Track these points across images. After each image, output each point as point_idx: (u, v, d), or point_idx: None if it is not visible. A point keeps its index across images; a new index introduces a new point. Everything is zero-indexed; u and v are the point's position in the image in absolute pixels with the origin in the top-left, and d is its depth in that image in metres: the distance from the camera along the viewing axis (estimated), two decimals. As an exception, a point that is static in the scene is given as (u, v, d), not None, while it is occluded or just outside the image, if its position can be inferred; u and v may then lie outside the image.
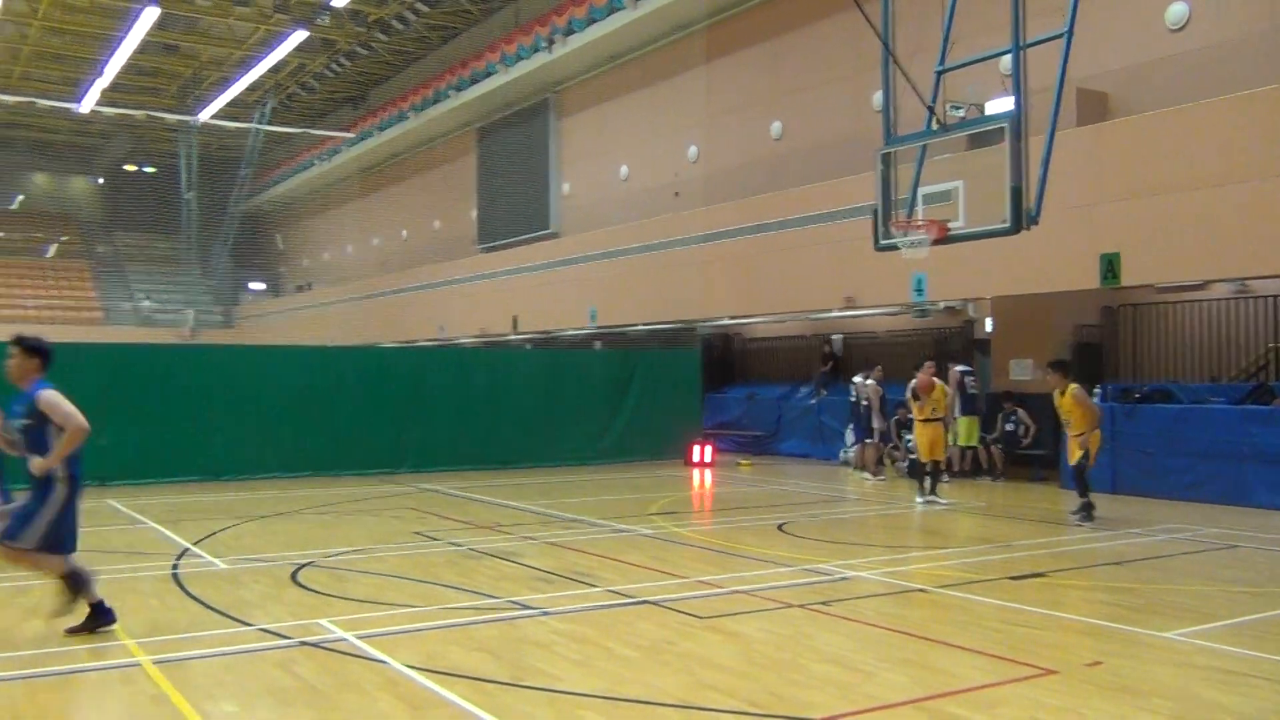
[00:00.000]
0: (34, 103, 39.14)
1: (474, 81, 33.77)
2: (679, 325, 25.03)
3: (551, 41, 29.74)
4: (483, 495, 15.33)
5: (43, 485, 6.98)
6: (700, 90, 26.68)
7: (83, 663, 6.45)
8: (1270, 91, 13.90)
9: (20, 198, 53.85)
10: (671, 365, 22.18)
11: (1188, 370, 16.73)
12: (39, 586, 8.63)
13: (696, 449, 20.23)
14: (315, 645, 6.73)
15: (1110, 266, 15.16)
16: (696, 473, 19.27)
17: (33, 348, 7.09)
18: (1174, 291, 16.88)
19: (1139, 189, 15.03)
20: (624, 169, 29.58)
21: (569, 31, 29.03)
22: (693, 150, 26.99)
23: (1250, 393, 14.63)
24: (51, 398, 6.88)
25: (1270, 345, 15.87)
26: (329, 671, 6.18)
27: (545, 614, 7.66)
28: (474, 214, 36.82)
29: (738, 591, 8.49)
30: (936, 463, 14.64)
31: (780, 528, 12.03)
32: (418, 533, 11.70)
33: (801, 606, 7.93)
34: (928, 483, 14.52)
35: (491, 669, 6.21)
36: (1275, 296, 15.53)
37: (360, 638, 6.87)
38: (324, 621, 7.32)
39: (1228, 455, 14.13)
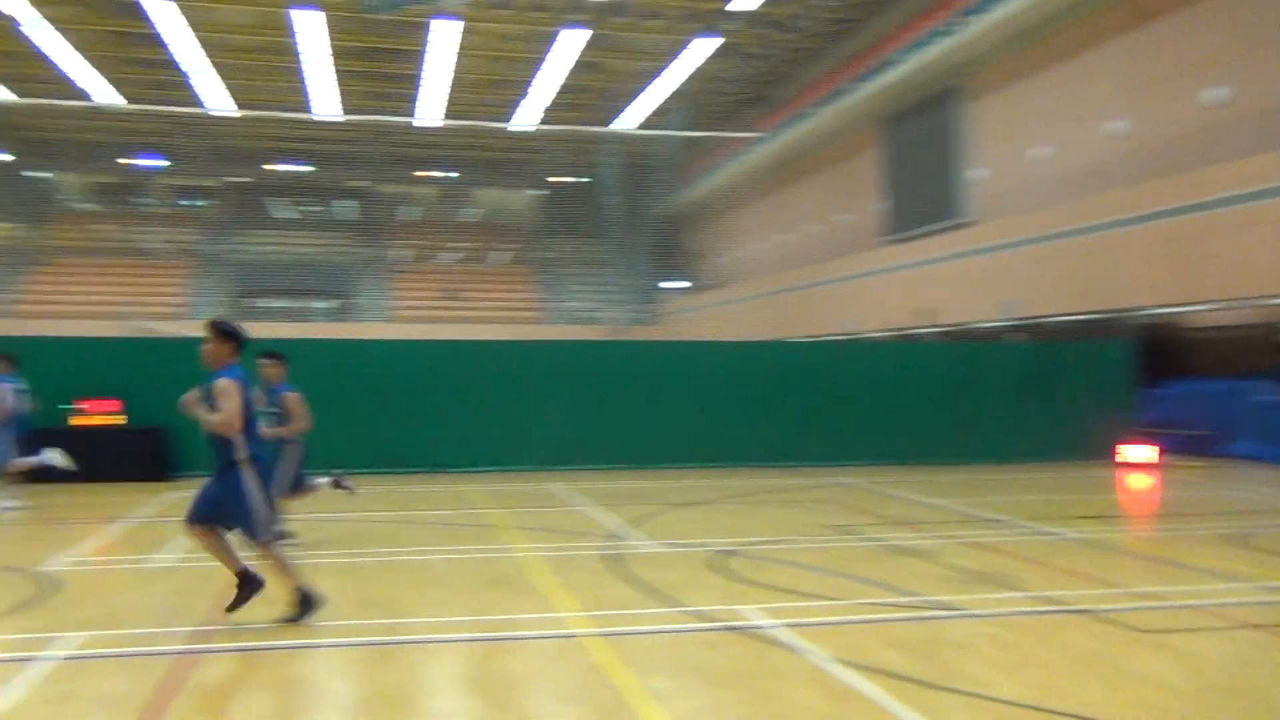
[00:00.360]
0: (481, 124, 43.73)
1: (877, 73, 33.37)
2: (1104, 315, 23.26)
3: (957, 25, 28.72)
4: (897, 491, 15.13)
5: (229, 471, 7.11)
6: (1123, 60, 24.62)
7: (537, 630, 7.12)
8: None
9: (475, 211, 60.28)
10: (1097, 358, 20.64)
11: None
12: (506, 558, 9.65)
13: (1128, 448, 18.70)
14: (739, 630, 6.98)
15: None
16: (1129, 474, 17.82)
17: (226, 332, 7.11)
18: None
19: None
20: (1040, 150, 27.95)
21: (976, 12, 27.87)
22: (1117, 125, 24.96)
23: None
24: (226, 386, 6.92)
25: None
26: (753, 656, 6.39)
27: (968, 615, 7.44)
28: (878, 206, 36.41)
29: (1184, 606, 7.76)
30: None
31: (1235, 539, 10.84)
32: (833, 525, 11.78)
33: (1263, 628, 7.11)
34: None
35: (913, 668, 6.13)
36: None
37: (782, 626, 7.04)
38: (747, 608, 7.57)
39: None
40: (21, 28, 31.55)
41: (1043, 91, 27.88)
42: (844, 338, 32.58)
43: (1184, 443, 20.63)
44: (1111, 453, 18.88)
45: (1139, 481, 16.94)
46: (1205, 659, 6.38)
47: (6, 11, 30.34)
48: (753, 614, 7.38)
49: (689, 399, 18.56)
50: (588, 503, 13.72)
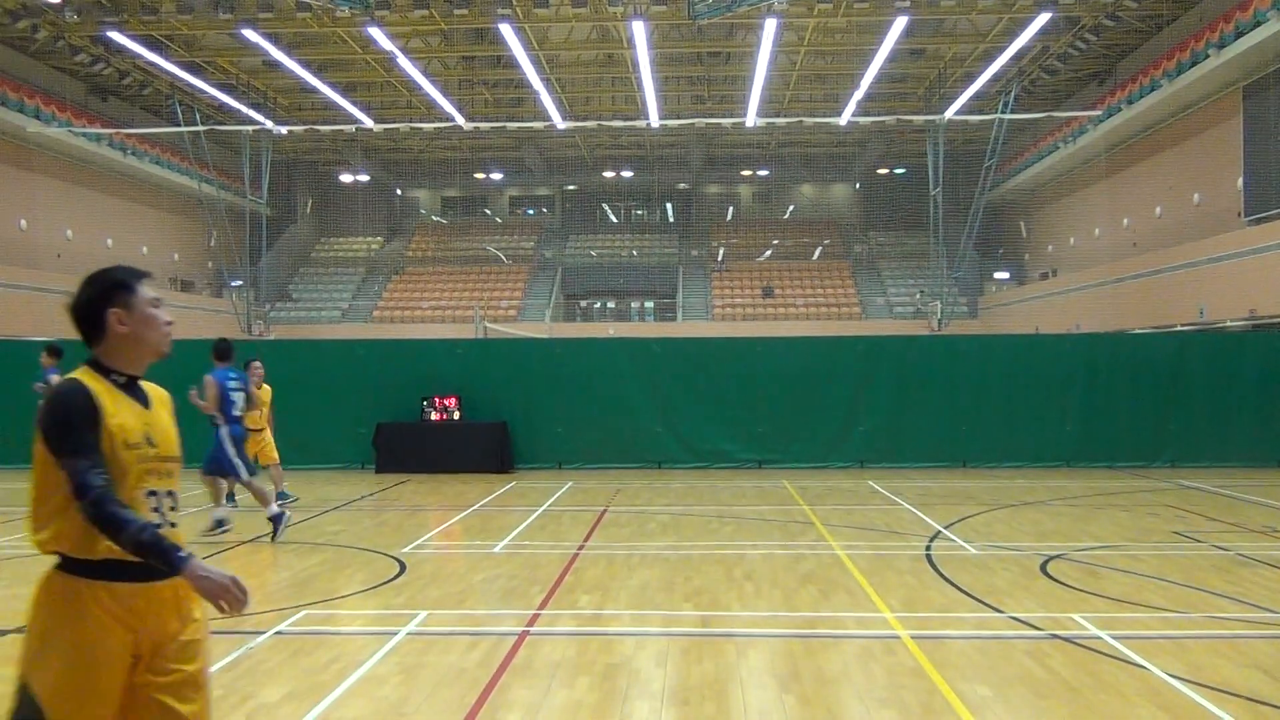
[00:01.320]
0: (801, 121, 43.73)
1: (1239, 35, 30.25)
2: None
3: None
4: (1251, 495, 13.73)
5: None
6: None
7: (850, 629, 7.07)
8: None
9: (791, 208, 60.41)
10: None
11: None
12: (822, 555, 9.67)
13: None
14: (1067, 640, 6.61)
15: None
16: None
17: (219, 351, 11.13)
18: None
19: None
20: None
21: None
22: None
23: None
24: (207, 381, 10.75)
25: None
26: (1082, 669, 6.03)
27: (1338, 637, 6.65)
28: (1239, 183, 33.01)
29: None
30: None
31: None
32: (1177, 532, 10.87)
33: None
34: None
35: (1270, 691, 5.56)
36: None
37: (1115, 638, 6.59)
38: (1076, 616, 7.16)
39: None
40: (397, 60, 34.84)
41: None
42: (1196, 328, 29.87)
43: None
44: None
45: None
46: None
47: (385, 48, 33.63)
48: (1081, 623, 6.97)
49: (1012, 395, 17.70)
50: (906, 501, 13.43)
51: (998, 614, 7.34)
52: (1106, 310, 36.17)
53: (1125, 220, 41.81)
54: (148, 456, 3.12)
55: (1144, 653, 6.26)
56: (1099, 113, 39.52)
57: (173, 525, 3.18)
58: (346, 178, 54.17)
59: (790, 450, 17.84)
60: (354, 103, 41.01)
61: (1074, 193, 46.10)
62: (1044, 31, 35.56)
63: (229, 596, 2.98)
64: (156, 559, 2.94)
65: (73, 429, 2.99)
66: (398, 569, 9.13)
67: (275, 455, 13.09)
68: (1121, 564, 9.15)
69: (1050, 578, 8.56)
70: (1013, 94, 41.08)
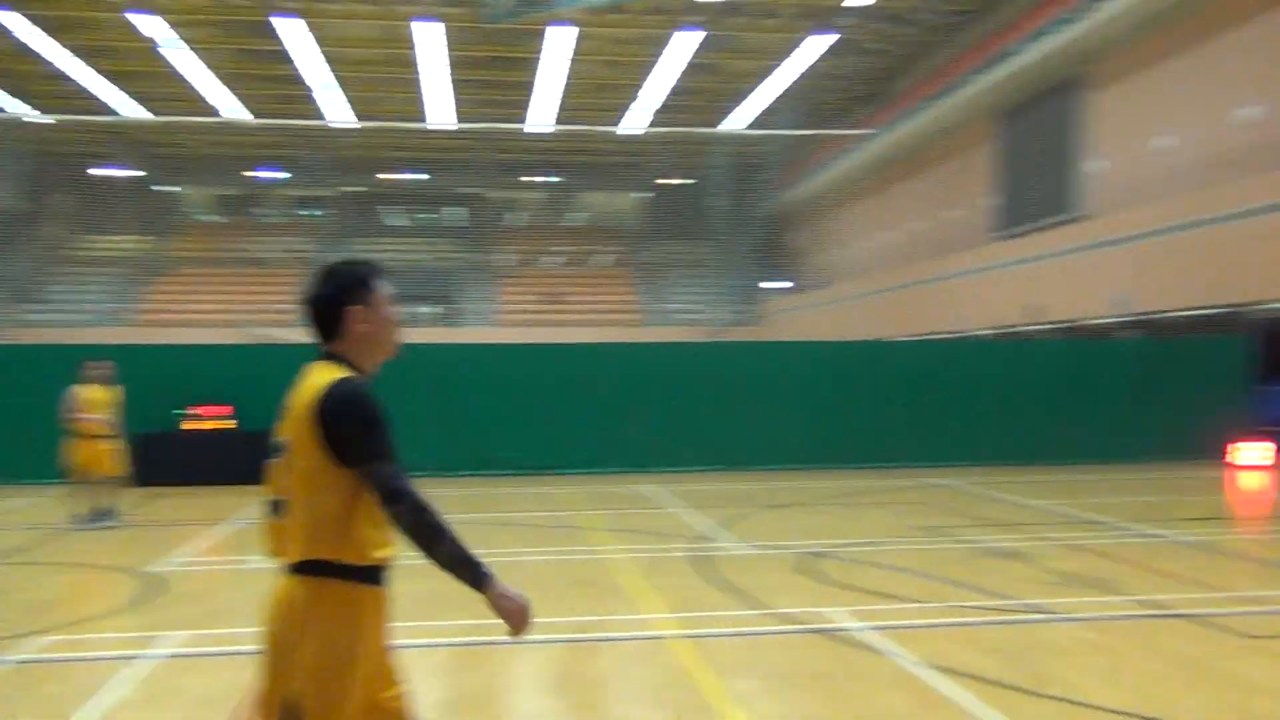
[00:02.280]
0: (588, 129, 44.16)
1: (994, 65, 32.62)
2: (1224, 309, 22.33)
3: (1082, 12, 27.88)
4: (996, 492, 14.80)
5: None
6: (1259, 44, 23.59)
7: (621, 632, 7.17)
8: None
9: (579, 215, 60.92)
10: (1211, 355, 19.81)
11: None
12: (594, 560, 9.75)
13: (1242, 448, 17.92)
14: (826, 633, 6.93)
15: None
16: (1242, 475, 17.09)
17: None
18: None
19: None
20: (1164, 141, 26.95)
21: (1100, -1, 27.00)
22: (1248, 112, 23.91)
23: None
24: None
25: None
26: (839, 660, 6.34)
27: (1065, 620, 7.24)
28: (989, 201, 35.59)
29: (1297, 613, 7.44)
30: None
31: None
32: (929, 528, 11.58)
33: (1382, 636, 6.77)
34: None
35: (1006, 673, 6.00)
36: None
37: (870, 630, 6.96)
38: (835, 610, 7.51)
39: None
40: (160, 49, 32.95)
41: (1168, 79, 26.85)
42: (950, 336, 31.97)
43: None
44: (1222, 452, 18.13)
45: (1250, 482, 16.25)
46: (1315, 668, 6.11)
47: (147, 34, 31.76)
48: (840, 617, 7.32)
49: (788, 400, 18.42)
50: (680, 505, 13.74)
51: (764, 611, 7.61)
52: (872, 319, 38.17)
53: (890, 233, 44.28)
54: None
55: (895, 642, 6.63)
56: (870, 131, 41.68)
57: None
58: (108, 172, 50.81)
59: (570, 456, 17.94)
60: (123, 92, 38.54)
61: (847, 206, 48.43)
62: (826, 52, 37.14)
63: (524, 621, 3.07)
64: (468, 573, 3.01)
65: (383, 430, 2.94)
66: (152, 587, 8.63)
67: (111, 467, 12.03)
68: (878, 559, 9.68)
69: (814, 574, 8.95)
70: (792, 110, 42.75)
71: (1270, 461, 17.78)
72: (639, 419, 18.04)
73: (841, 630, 6.96)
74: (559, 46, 34.84)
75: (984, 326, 31.15)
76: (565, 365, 18.35)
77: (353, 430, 2.92)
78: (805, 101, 43.16)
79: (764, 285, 52.95)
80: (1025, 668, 6.11)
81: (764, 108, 43.37)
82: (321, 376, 3.02)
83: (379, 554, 3.00)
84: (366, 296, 3.17)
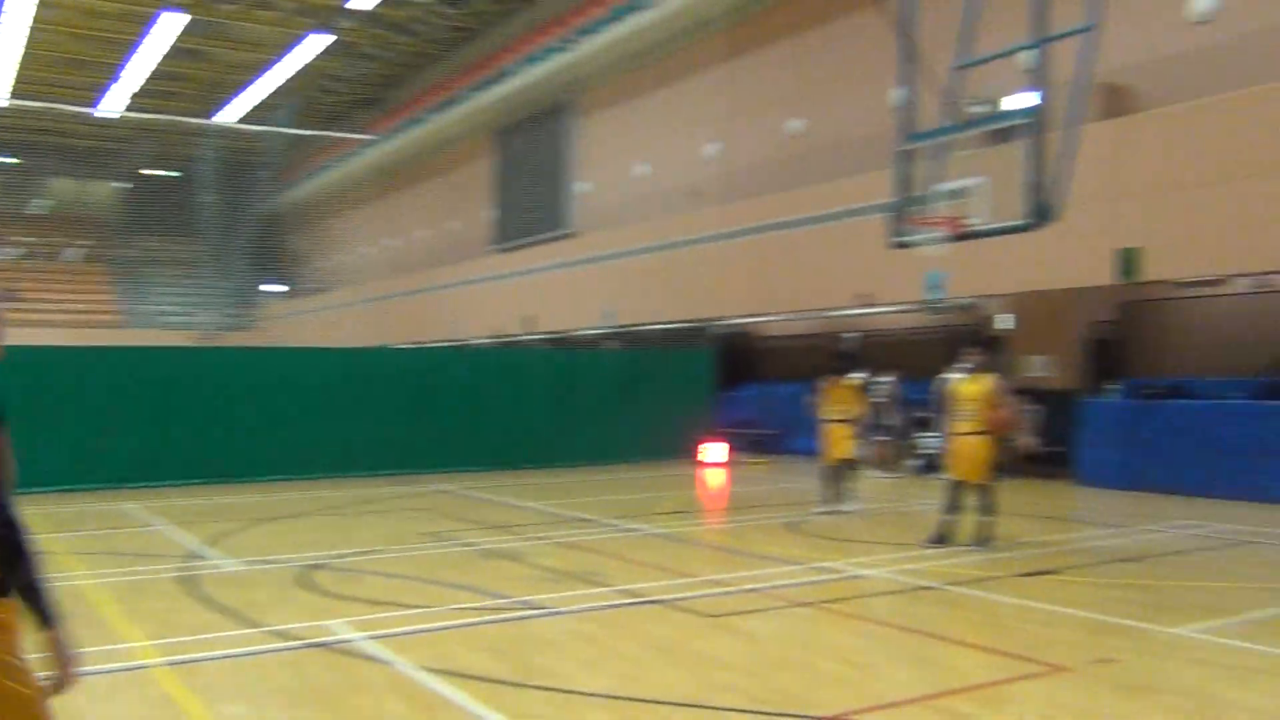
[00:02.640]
0: (56, 108, 39.46)
1: (492, 83, 33.82)
2: (694, 324, 24.99)
3: (571, 42, 29.75)
4: (494, 496, 15.34)
5: None
6: (721, 88, 26.64)
7: (96, 665, 6.46)
8: (1288, 84, 13.78)
9: (44, 203, 54.28)
10: (684, 364, 22.14)
11: (1205, 366, 16.58)
12: (64, 588, 8.66)
13: (708, 448, 20.19)
14: (325, 646, 6.73)
15: (1130, 262, 15.04)
16: (707, 472, 19.24)
17: None
18: (1192, 287, 16.73)
19: (1160, 184, 14.91)
20: (642, 168, 29.56)
21: (588, 32, 29.02)
22: (712, 148, 26.93)
23: (1269, 388, 14.48)
24: None
25: (1290, 340, 15.70)
26: (339, 673, 6.18)
27: (554, 613, 7.65)
28: (489, 215, 36.88)
29: (748, 590, 8.45)
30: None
31: (791, 526, 11.99)
32: (429, 534, 11.71)
33: (811, 605, 7.89)
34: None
35: (500, 669, 6.20)
36: (1295, 291, 15.38)
37: (370, 639, 6.87)
38: (334, 623, 7.33)
39: (1245, 451, 13.99)
40: None
41: (647, 112, 29.48)
42: (449, 344, 32.64)
43: (756, 441, 22.59)
44: (696, 452, 20.29)
45: (715, 478, 18.33)
46: (763, 637, 6.97)
47: None
48: (339, 629, 7.15)
49: (285, 408, 17.74)
50: (164, 522, 12.71)
51: (257, 629, 7.24)
52: (375, 326, 37.95)
53: (391, 242, 44.29)
54: None
55: (395, 649, 6.60)
56: (372, 136, 41.42)
57: None
58: None
59: (34, 473, 15.85)
60: None
61: (348, 211, 47.72)
62: (325, 53, 36.31)
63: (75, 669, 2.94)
64: (46, 602, 2.88)
65: None
66: None
67: None
68: (377, 567, 9.60)
69: (312, 587, 8.67)
70: (289, 108, 41.32)
71: (726, 459, 20.13)
72: (119, 430, 16.37)
73: (340, 642, 6.81)
74: (17, 10, 30.85)
75: (483, 335, 32.18)
76: (27, 371, 16.18)
77: None
78: (304, 101, 41.97)
79: (261, 289, 50.68)
80: (517, 662, 6.36)
81: (259, 103, 41.50)
82: None
83: None
84: None
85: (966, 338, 11.92)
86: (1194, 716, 5.30)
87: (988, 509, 10.27)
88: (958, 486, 10.50)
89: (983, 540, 10.25)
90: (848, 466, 13.36)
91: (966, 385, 10.45)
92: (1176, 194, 14.68)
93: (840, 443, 13.19)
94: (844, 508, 13.10)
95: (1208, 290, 16.59)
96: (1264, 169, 13.68)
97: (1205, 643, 6.71)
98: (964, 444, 10.44)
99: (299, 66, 37.41)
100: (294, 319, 46.02)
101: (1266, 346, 15.98)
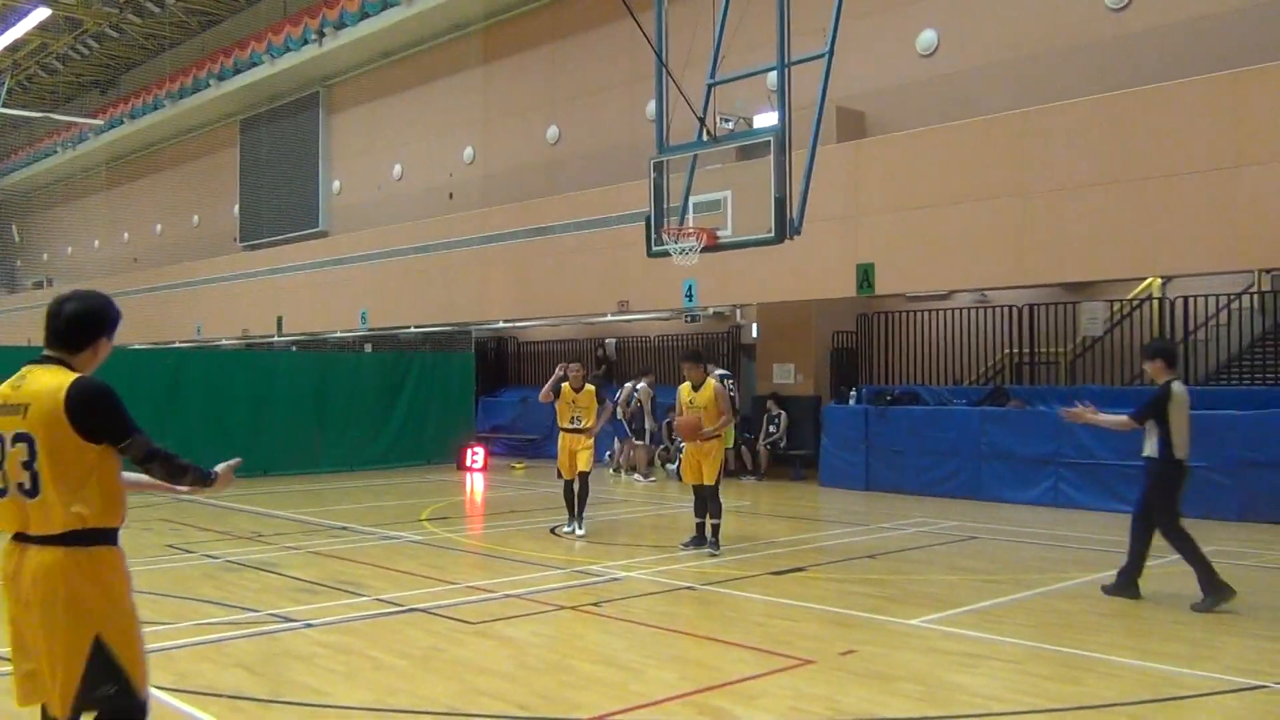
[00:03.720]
0: None
1: (237, 71, 32.28)
2: (453, 328, 24.73)
3: (322, 34, 28.82)
4: (243, 504, 14.64)
5: None
6: (477, 91, 26.49)
7: None
8: (1008, 117, 15.09)
9: None
10: (444, 368, 21.87)
11: (933, 374, 17.91)
12: None
13: (469, 453, 20.02)
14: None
15: (866, 276, 16.03)
16: (469, 477, 19.08)
17: None
18: (922, 301, 18.02)
19: (892, 204, 15.98)
20: (397, 168, 28.99)
21: (340, 25, 28.21)
22: (469, 151, 26.74)
23: (988, 395, 15.79)
24: None
25: (1006, 351, 17.19)
26: (67, 697, 5.72)
27: (308, 626, 7.38)
28: (236, 210, 35.18)
29: (509, 595, 8.45)
30: None
31: (552, 530, 12.06)
32: (170, 545, 11.06)
33: (573, 608, 7.97)
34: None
35: (249, 686, 5.93)
36: (1011, 306, 16.84)
37: (103, 659, 6.40)
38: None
39: (968, 453, 15.20)
40: None
41: (402, 111, 28.92)
42: (193, 344, 30.91)
43: (517, 446, 22.62)
44: (458, 456, 20.07)
45: (477, 483, 18.21)
46: (524, 642, 6.98)
47: None
48: (69, 650, 6.62)
49: None
50: None
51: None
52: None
53: (126, 234, 41.54)
54: None
55: (133, 670, 6.17)
56: (100, 122, 38.72)
57: None
58: None
59: None
60: None
61: (74, 201, 44.39)
62: (43, 27, 33.64)
63: (229, 475, 4.43)
64: (199, 477, 4.43)
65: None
66: None
67: None
68: (113, 582, 8.94)
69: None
70: (5, 86, 37.97)
71: (485, 464, 20.03)
72: None
73: (71, 665, 6.30)
74: None
75: (231, 336, 30.67)
76: None
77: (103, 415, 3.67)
78: (23, 79, 38.72)
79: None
80: (268, 678, 6.10)
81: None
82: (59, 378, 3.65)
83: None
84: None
85: (688, 351, 12.18)
86: (925, 700, 5.70)
87: (716, 511, 10.63)
88: (695, 490, 10.78)
89: (715, 542, 10.54)
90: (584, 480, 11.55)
91: (689, 393, 10.73)
92: (904, 214, 15.79)
93: (582, 454, 11.42)
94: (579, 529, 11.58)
95: (935, 304, 17.93)
96: (985, 192, 14.93)
97: (935, 631, 7.24)
98: (690, 450, 10.81)
99: (17, 41, 34.45)
100: (9, 316, 42.30)
101: (986, 357, 17.42)
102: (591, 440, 11.63)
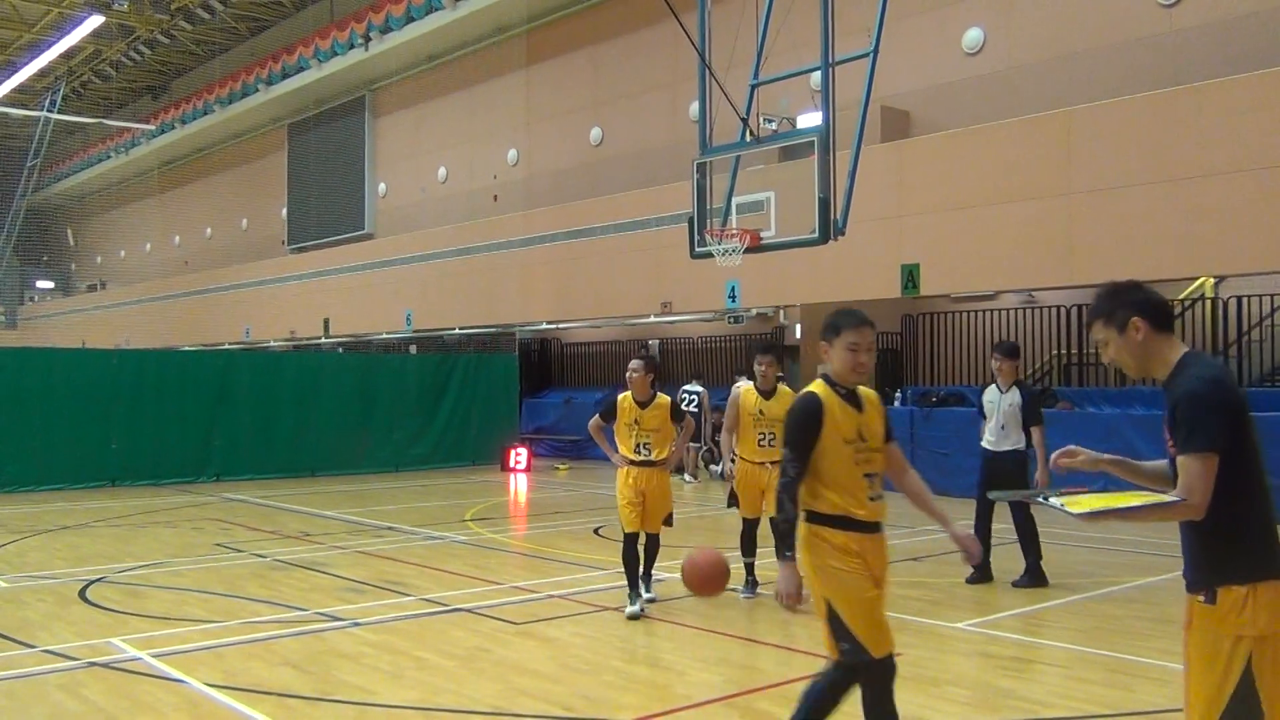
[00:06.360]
0: None
1: (285, 76, 32.67)
2: (497, 329, 24.86)
3: (368, 39, 29.10)
4: (291, 504, 14.82)
5: None
6: (520, 94, 26.61)
7: None
8: (1055, 115, 14.91)
9: None
10: (488, 370, 21.98)
11: (979, 376, 17.70)
12: None
13: (513, 454, 20.11)
14: (106, 666, 6.35)
15: (910, 277, 15.91)
16: (512, 478, 19.17)
17: None
18: (968, 301, 17.84)
19: (937, 204, 15.84)
20: (442, 171, 29.19)
21: (386, 29, 28.46)
22: (512, 154, 26.87)
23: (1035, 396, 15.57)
24: None
25: (1054, 353, 16.97)
26: (121, 694, 5.83)
27: (355, 625, 7.45)
28: (284, 213, 35.60)
29: (553, 596, 8.48)
30: None
31: (596, 531, 12.09)
32: (220, 544, 11.21)
33: (616, 609, 7.98)
34: None
35: (298, 684, 6.00)
36: (1059, 307, 16.63)
37: (156, 656, 6.52)
38: (116, 640, 6.92)
39: (1015, 455, 14.96)
40: None
41: (446, 114, 29.12)
42: (243, 346, 31.33)
43: (560, 447, 22.68)
44: (502, 457, 20.16)
45: (520, 484, 18.29)
46: (568, 643, 7.01)
47: None
48: (122, 647, 6.76)
49: (55, 412, 16.59)
50: (-79, 536, 11.70)
51: (30, 649, 6.75)
52: (157, 326, 36.03)
53: (177, 238, 42.19)
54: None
55: (183, 666, 6.29)
56: (152, 127, 39.35)
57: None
58: None
59: None
60: None
61: (126, 205, 45.17)
62: (97, 34, 34.25)
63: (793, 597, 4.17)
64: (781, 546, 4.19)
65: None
66: None
67: None
68: (165, 581, 9.12)
69: (89, 603, 8.16)
70: (60, 92, 38.74)
71: (529, 465, 20.10)
72: None
73: (125, 662, 6.43)
74: None
75: (279, 338, 31.05)
76: None
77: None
78: (78, 85, 39.42)
79: (36, 285, 47.26)
80: (316, 676, 6.17)
81: (25, 86, 38.66)
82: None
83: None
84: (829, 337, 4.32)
85: (763, 343, 11.96)
86: (973, 705, 5.65)
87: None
88: (752, 524, 8.41)
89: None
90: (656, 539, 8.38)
91: (758, 400, 8.23)
92: (949, 214, 15.65)
93: (658, 501, 8.03)
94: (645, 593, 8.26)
95: (982, 305, 17.75)
96: (1032, 192, 14.76)
97: (981, 635, 7.17)
98: (753, 472, 8.24)
99: (72, 48, 35.10)
100: (67, 318, 43.12)
101: (1034, 358, 17.21)
102: (668, 475, 8.06)
